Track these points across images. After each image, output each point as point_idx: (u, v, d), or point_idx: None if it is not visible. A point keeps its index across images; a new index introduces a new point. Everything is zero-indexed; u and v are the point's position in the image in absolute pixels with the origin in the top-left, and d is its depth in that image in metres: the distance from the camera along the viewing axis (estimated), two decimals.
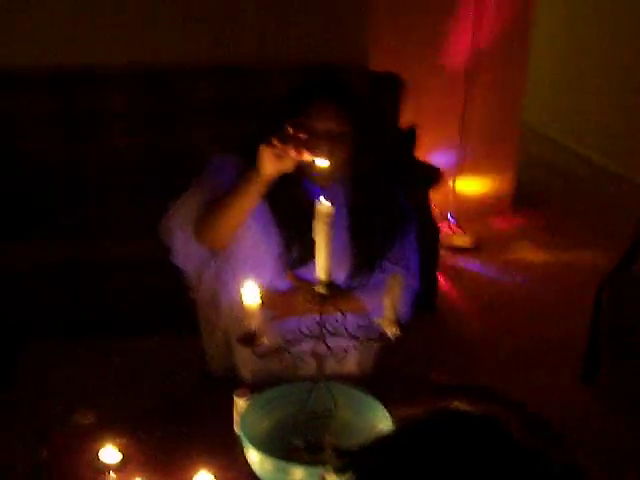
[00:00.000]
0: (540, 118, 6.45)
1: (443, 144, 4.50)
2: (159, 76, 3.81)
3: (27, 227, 3.34)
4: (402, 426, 1.07)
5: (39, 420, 2.69)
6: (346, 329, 1.85)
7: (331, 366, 1.93)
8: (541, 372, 3.29)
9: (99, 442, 1.91)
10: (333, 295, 1.81)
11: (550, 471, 1.05)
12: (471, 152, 4.58)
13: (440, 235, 3.84)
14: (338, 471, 1.09)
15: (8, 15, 3.68)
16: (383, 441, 1.08)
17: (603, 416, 3.01)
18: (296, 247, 2.25)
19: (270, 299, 2.23)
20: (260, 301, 1.78)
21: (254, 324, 1.77)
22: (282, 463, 1.75)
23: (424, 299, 2.46)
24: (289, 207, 2.24)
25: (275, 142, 2.03)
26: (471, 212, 4.68)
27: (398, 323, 1.82)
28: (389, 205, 2.35)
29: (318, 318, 1.82)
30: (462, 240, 4.50)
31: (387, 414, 1.88)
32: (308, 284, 1.85)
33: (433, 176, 3.66)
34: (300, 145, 2.02)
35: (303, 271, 2.26)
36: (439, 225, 3.85)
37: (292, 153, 2.02)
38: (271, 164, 2.07)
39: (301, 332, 1.83)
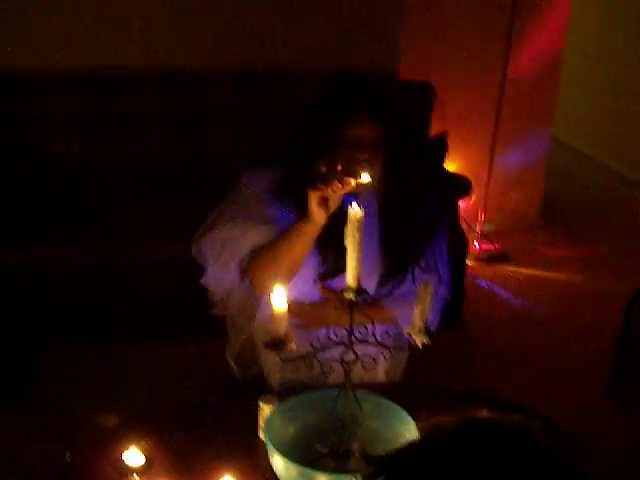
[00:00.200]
0: (569, 130, 6.40)
1: (473, 156, 4.48)
2: (187, 79, 3.84)
3: (53, 228, 3.35)
4: (432, 434, 1.05)
5: (61, 422, 2.70)
6: (374, 337, 1.83)
7: (359, 374, 1.91)
8: (566, 386, 3.26)
9: (123, 444, 1.90)
10: (362, 302, 1.79)
11: None
12: (501, 163, 4.54)
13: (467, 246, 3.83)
14: (367, 478, 1.07)
15: (39, 18, 3.72)
16: (414, 448, 1.06)
17: (628, 432, 2.97)
18: (330, 258, 2.23)
19: (301, 310, 2.23)
20: (287, 306, 1.76)
21: (282, 329, 1.75)
22: (307, 470, 1.73)
23: (451, 309, 2.44)
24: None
25: (321, 187, 1.99)
26: (499, 223, 4.65)
27: (427, 332, 1.80)
28: (422, 213, 2.33)
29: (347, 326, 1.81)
30: (490, 250, 4.47)
31: (413, 423, 1.86)
32: (338, 294, 1.83)
33: (462, 187, 3.64)
34: (341, 177, 2.00)
35: (335, 282, 2.24)
36: (466, 236, 3.83)
37: (338, 189, 2.00)
38: (322, 209, 2.03)
39: (329, 339, 1.82)
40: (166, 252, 3.32)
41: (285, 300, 1.75)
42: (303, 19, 3.92)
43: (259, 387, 2.27)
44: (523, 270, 4.37)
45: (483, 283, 4.18)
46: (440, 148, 3.72)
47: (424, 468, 1.00)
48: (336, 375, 1.88)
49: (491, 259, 4.43)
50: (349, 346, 1.80)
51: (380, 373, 2.25)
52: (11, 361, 3.24)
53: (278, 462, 1.78)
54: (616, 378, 3.16)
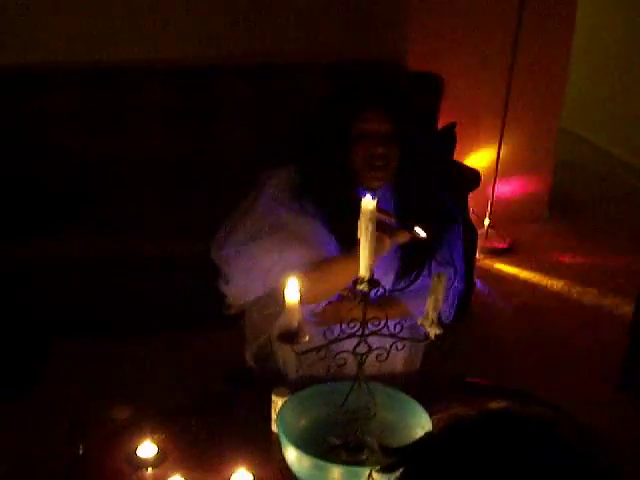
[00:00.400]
0: (577, 120, 6.38)
1: (481, 147, 4.47)
2: (192, 73, 3.82)
3: (56, 223, 3.35)
4: (452, 424, 1.04)
5: (72, 416, 2.70)
6: (388, 328, 1.82)
7: (375, 365, 1.91)
8: (575, 377, 3.26)
9: (137, 438, 1.91)
10: (376, 298, 1.77)
11: (601, 475, 1.02)
12: (509, 155, 4.53)
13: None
14: (385, 470, 1.06)
15: (41, 13, 3.71)
16: (433, 439, 1.05)
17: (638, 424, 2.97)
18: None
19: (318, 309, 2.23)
20: (299, 297, 1.75)
21: (295, 321, 1.75)
22: (320, 462, 1.73)
23: (461, 301, 2.44)
24: (345, 217, 2.19)
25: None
26: (507, 215, 4.64)
27: (440, 323, 1.80)
28: (436, 207, 2.32)
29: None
30: (498, 243, 4.46)
31: (427, 415, 1.86)
32: (354, 290, 1.82)
33: (471, 179, 3.63)
34: (386, 229, 2.00)
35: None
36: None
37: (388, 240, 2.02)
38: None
39: (343, 331, 1.81)
40: (172, 247, 3.32)
41: (297, 292, 1.75)
42: (312, 10, 3.91)
43: (272, 379, 2.26)
44: (530, 261, 4.35)
45: (490, 275, 4.17)
46: (449, 140, 3.71)
47: (444, 459, 0.99)
48: (351, 367, 1.87)
49: (499, 251, 4.42)
50: (362, 337, 1.80)
51: (398, 364, 2.26)
52: (18, 359, 3.24)
53: (291, 454, 1.78)
54: (628, 372, 3.14)
